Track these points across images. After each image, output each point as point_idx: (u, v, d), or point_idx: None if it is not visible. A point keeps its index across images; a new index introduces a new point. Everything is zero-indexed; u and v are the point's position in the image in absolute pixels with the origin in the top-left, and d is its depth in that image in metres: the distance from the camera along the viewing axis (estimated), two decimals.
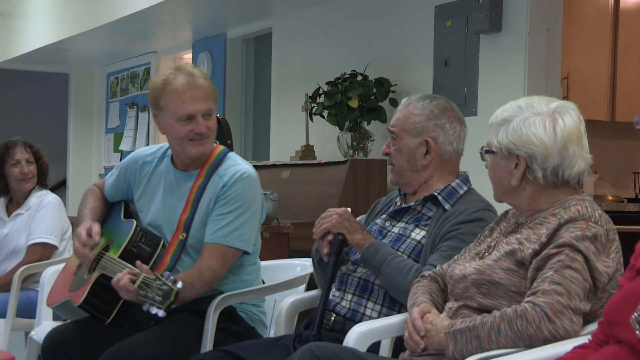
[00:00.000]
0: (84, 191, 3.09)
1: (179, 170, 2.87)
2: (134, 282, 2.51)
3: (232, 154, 2.90)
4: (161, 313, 2.45)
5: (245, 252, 2.81)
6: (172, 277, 2.49)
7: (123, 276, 2.55)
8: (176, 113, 2.74)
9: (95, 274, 2.75)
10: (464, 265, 2.24)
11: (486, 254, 2.22)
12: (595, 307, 2.05)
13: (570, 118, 2.16)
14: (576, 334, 1.97)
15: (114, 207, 3.04)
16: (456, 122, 2.63)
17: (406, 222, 2.61)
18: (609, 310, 1.85)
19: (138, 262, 2.61)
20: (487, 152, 2.24)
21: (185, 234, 2.80)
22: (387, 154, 2.66)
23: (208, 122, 2.78)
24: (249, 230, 2.79)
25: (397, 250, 2.53)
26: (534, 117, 2.16)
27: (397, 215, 2.65)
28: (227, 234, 2.75)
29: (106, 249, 2.85)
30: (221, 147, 2.89)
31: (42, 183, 4.34)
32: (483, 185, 2.71)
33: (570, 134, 2.15)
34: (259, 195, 2.86)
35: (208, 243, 2.76)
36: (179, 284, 2.46)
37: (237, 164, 2.84)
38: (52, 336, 2.81)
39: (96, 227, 2.80)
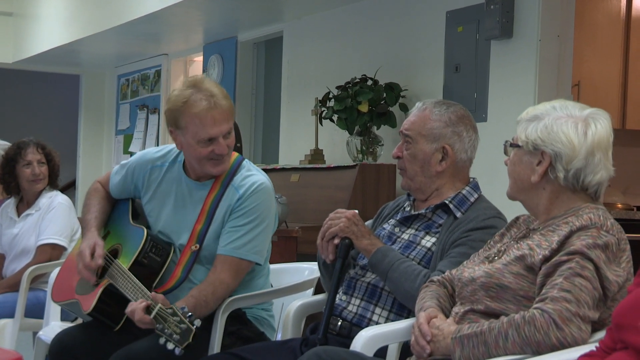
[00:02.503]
0: (88, 189, 3.05)
1: (192, 179, 2.85)
2: (149, 311, 2.49)
3: (246, 162, 2.88)
4: (178, 351, 2.39)
5: (257, 264, 2.81)
6: (189, 314, 2.43)
7: (138, 305, 2.52)
8: (197, 136, 2.71)
9: (104, 282, 2.73)
10: (473, 269, 2.23)
11: (496, 258, 2.21)
12: (604, 315, 2.04)
13: (602, 126, 2.15)
14: (584, 342, 1.97)
15: (120, 204, 3.01)
16: (472, 131, 2.61)
17: (416, 229, 2.59)
18: (618, 314, 1.85)
19: (153, 294, 2.57)
20: (511, 145, 2.23)
21: (198, 245, 2.78)
22: (398, 158, 2.62)
23: (228, 140, 2.76)
24: (262, 243, 2.79)
25: (407, 257, 2.51)
26: (566, 118, 2.16)
27: (406, 221, 2.63)
28: (241, 246, 2.74)
29: (114, 252, 2.83)
30: (235, 155, 2.86)
31: (53, 184, 4.36)
32: (492, 193, 2.71)
33: (600, 141, 2.14)
34: (274, 206, 2.85)
35: (221, 255, 2.74)
36: (197, 323, 2.41)
37: (253, 174, 2.82)
38: (59, 339, 2.81)
39: (99, 249, 2.76)
